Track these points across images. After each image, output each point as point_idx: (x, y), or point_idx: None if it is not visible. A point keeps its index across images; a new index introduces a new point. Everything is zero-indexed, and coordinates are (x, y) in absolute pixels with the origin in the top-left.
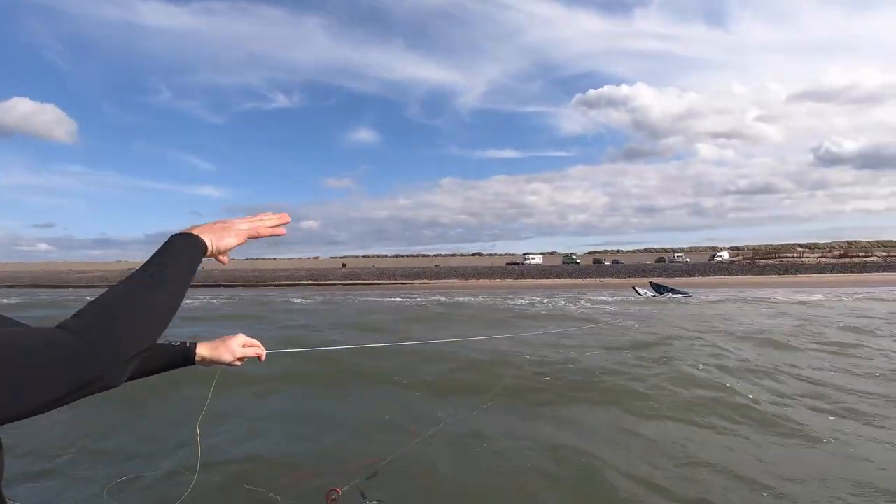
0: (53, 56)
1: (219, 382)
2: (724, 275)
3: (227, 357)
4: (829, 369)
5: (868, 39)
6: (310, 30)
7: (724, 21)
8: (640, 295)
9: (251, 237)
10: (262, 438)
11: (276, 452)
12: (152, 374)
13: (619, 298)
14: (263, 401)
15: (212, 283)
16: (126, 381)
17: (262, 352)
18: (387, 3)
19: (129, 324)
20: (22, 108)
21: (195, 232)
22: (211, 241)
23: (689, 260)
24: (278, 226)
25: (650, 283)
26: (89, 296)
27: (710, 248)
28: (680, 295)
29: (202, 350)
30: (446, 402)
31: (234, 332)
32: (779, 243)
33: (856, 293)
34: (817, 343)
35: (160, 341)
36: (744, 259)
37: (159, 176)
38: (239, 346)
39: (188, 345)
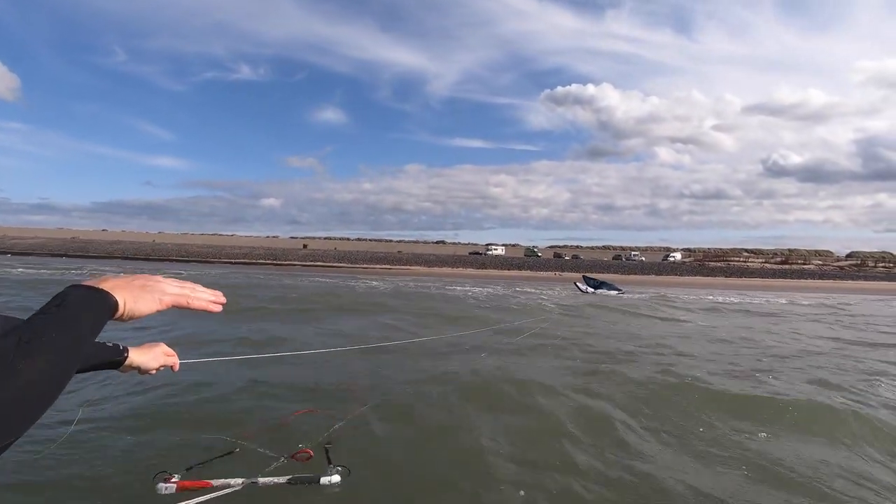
0: None
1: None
2: (675, 275)
3: (153, 364)
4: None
5: (817, 61)
6: (279, 0)
7: (690, 30)
8: (581, 291)
9: (176, 305)
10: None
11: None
12: (78, 372)
13: (550, 291)
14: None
15: (163, 258)
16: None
17: (177, 362)
18: None
19: None
20: None
21: (106, 286)
22: (124, 301)
23: (644, 259)
24: (213, 303)
25: (583, 276)
26: (23, 266)
27: (664, 248)
28: (615, 291)
29: (133, 355)
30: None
31: (157, 341)
32: (728, 247)
33: (768, 297)
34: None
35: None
36: (695, 261)
37: (112, 141)
38: (163, 355)
39: (122, 348)
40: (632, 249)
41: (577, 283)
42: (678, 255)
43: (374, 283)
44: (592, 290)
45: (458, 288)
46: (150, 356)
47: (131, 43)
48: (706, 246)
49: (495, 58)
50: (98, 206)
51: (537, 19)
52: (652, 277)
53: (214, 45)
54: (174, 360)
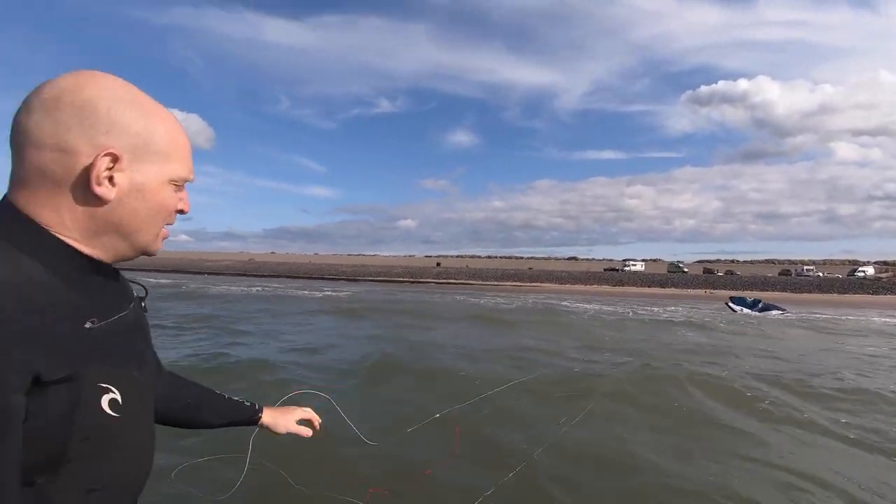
0: (195, 71)
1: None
2: (868, 293)
3: (281, 430)
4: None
5: None
6: (413, 36)
7: (872, 2)
8: (733, 311)
9: (289, 431)
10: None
11: None
12: (214, 427)
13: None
14: None
15: (318, 276)
16: (180, 428)
17: (309, 432)
18: (487, 6)
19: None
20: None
21: (265, 418)
22: (267, 419)
23: (820, 274)
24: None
25: (730, 297)
26: (224, 284)
27: (849, 261)
28: (776, 311)
29: (266, 416)
30: None
31: (304, 407)
32: None
33: None
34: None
35: (229, 395)
36: (894, 276)
37: (278, 176)
38: (294, 423)
39: (257, 407)
40: (804, 263)
41: (729, 303)
42: (870, 270)
43: (500, 300)
44: (748, 310)
45: (587, 306)
46: (282, 421)
47: (293, 91)
48: None
49: (628, 64)
50: (267, 233)
51: (674, 19)
52: (833, 297)
53: (358, 84)
54: (305, 431)
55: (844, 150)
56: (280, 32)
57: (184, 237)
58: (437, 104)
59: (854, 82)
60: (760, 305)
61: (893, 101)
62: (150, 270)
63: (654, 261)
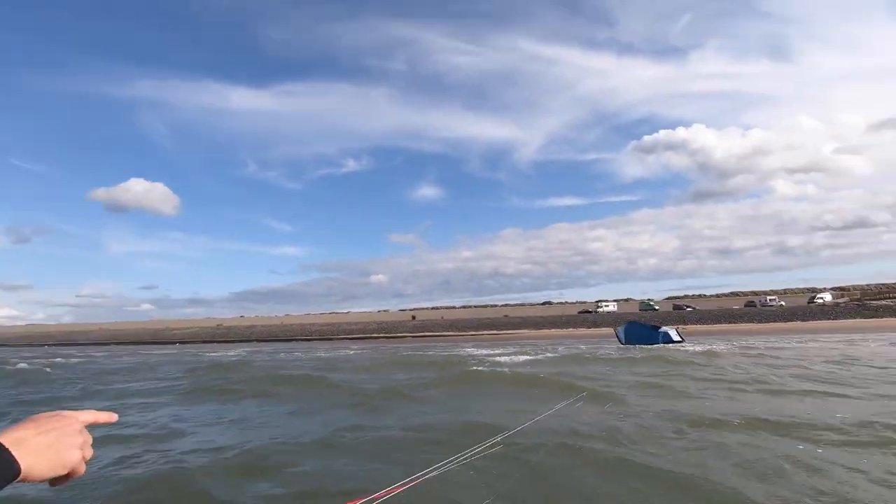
0: (162, 140)
1: None
2: (828, 319)
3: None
4: None
5: None
6: (376, 100)
7: (790, 55)
8: (621, 344)
9: (75, 472)
10: None
11: None
12: None
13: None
14: None
15: (290, 338)
16: None
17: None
18: (445, 70)
19: None
20: (137, 188)
21: (6, 440)
22: (31, 464)
23: (783, 303)
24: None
25: (628, 323)
26: (186, 353)
27: (807, 289)
28: (674, 342)
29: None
30: None
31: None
32: (892, 281)
33: None
34: None
35: None
36: (851, 300)
37: (245, 238)
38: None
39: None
40: (766, 294)
41: (617, 333)
42: (828, 296)
43: (485, 350)
44: (633, 343)
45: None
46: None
47: (259, 154)
48: (863, 282)
49: (579, 116)
50: (235, 296)
51: (616, 75)
52: (796, 324)
53: (324, 146)
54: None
55: (783, 186)
56: (245, 100)
57: (146, 306)
58: (402, 161)
59: (782, 126)
60: (647, 336)
61: (817, 142)
62: (107, 344)
63: (626, 300)
